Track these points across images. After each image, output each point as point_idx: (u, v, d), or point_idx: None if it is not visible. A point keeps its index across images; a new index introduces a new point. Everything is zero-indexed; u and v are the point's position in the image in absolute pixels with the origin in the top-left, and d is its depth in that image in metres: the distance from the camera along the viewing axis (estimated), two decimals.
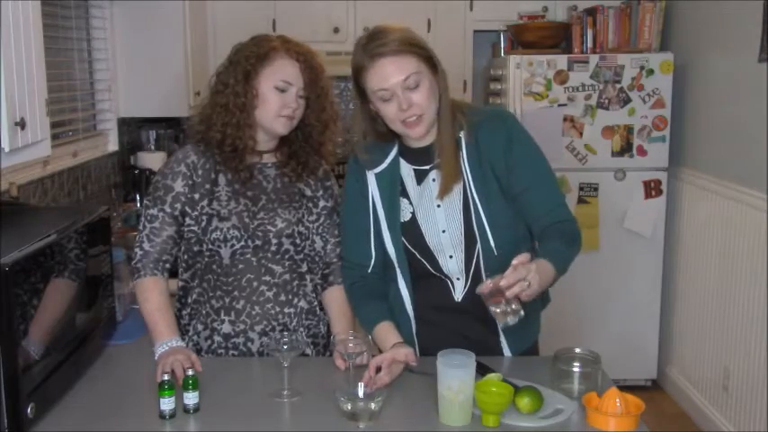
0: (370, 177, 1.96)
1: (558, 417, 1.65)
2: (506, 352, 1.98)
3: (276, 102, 1.94)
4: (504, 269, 1.73)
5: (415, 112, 1.82)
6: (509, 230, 1.91)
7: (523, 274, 1.63)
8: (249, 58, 1.94)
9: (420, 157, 1.94)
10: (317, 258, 2.08)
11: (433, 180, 1.93)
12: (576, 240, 1.88)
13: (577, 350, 1.79)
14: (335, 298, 2.09)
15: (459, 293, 1.95)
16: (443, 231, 1.92)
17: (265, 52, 1.94)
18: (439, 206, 1.92)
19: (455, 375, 1.61)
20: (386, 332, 1.91)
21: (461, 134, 1.89)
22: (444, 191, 1.89)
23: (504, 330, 1.94)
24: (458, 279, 1.95)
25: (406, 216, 1.94)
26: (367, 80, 1.83)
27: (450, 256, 1.93)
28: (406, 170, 1.96)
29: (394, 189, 1.94)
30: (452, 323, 1.94)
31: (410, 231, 1.94)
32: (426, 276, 1.96)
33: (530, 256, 1.69)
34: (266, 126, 1.97)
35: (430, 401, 1.70)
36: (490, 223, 1.88)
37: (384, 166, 1.95)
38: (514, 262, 1.66)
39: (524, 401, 1.65)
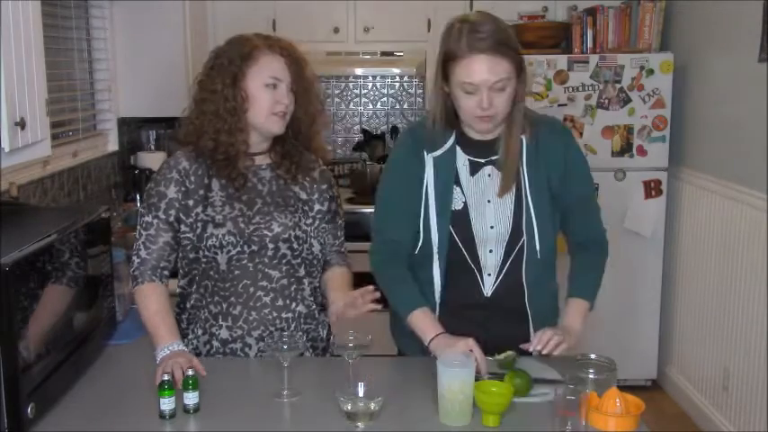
0: (429, 159, 1.95)
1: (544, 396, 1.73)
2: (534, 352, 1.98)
3: (267, 100, 1.92)
4: (541, 270, 1.94)
5: (491, 114, 1.84)
6: (551, 233, 1.96)
7: (558, 339, 1.81)
8: (234, 61, 1.91)
9: (478, 149, 1.95)
10: (314, 262, 2.06)
11: (489, 175, 1.94)
12: (605, 256, 2.05)
13: (592, 356, 1.80)
14: (333, 273, 2.08)
15: (488, 288, 1.97)
16: (492, 227, 1.94)
17: (248, 52, 1.92)
18: (489, 201, 1.94)
19: (455, 375, 1.62)
20: (424, 319, 1.90)
21: (524, 136, 1.92)
22: (505, 189, 1.92)
23: (536, 329, 1.95)
24: (489, 275, 1.97)
25: (458, 205, 1.95)
26: (456, 69, 1.82)
27: (491, 251, 1.95)
28: (462, 160, 1.96)
29: (449, 176, 1.94)
30: (478, 318, 1.96)
31: (459, 221, 1.94)
32: (460, 267, 1.96)
33: (551, 334, 1.82)
34: (259, 126, 1.95)
35: (430, 401, 1.70)
36: (539, 225, 1.92)
37: (442, 151, 1.94)
38: (544, 350, 1.81)
39: (515, 382, 1.71)
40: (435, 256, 1.96)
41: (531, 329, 1.98)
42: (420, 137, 1.97)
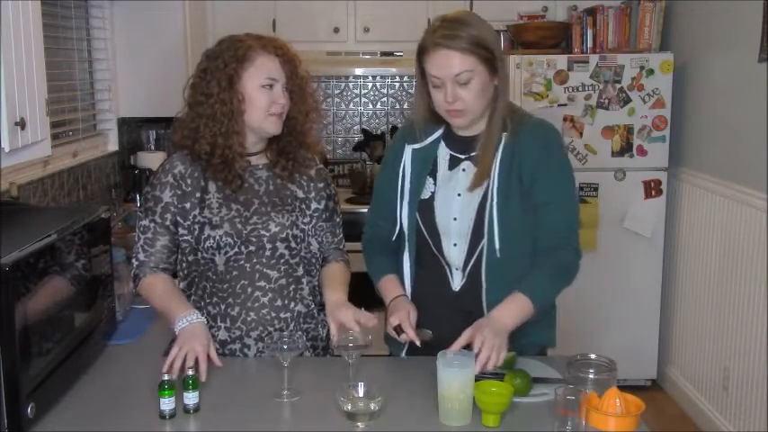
0: (407, 150, 2.02)
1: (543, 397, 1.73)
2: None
3: (264, 100, 1.92)
4: (505, 271, 1.88)
5: (457, 107, 1.87)
6: (518, 235, 1.93)
7: (486, 350, 1.73)
8: (229, 63, 1.90)
9: (461, 145, 1.98)
10: (313, 261, 2.07)
11: (463, 170, 1.97)
12: (567, 272, 1.94)
13: (592, 356, 1.80)
14: (330, 268, 2.10)
15: (457, 284, 1.99)
16: (455, 219, 1.95)
17: (243, 53, 1.91)
18: (459, 195, 1.95)
19: (455, 375, 1.62)
20: (390, 284, 2.02)
21: (504, 135, 1.93)
22: (475, 185, 1.93)
23: None
24: (456, 269, 1.98)
25: (426, 194, 1.99)
26: (426, 62, 1.88)
27: (455, 245, 1.96)
28: (443, 153, 2.00)
29: (425, 167, 2.00)
30: (441, 315, 1.96)
31: (425, 209, 1.99)
32: (429, 260, 2.00)
33: (469, 332, 1.77)
34: (257, 128, 1.95)
35: (430, 401, 1.70)
36: (500, 224, 1.91)
37: (424, 143, 2.00)
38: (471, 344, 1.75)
39: (515, 382, 1.72)
40: (406, 245, 2.02)
41: None
42: (408, 130, 2.05)
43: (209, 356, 1.83)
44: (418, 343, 1.87)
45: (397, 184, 2.02)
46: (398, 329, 1.88)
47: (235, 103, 1.90)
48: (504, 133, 1.92)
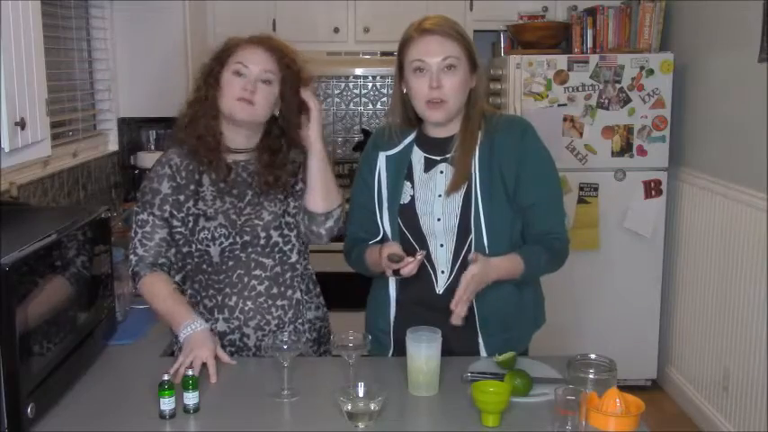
0: (381, 158, 2.02)
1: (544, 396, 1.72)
2: (483, 353, 1.99)
3: (234, 86, 1.93)
4: None
5: (439, 96, 1.88)
6: (504, 232, 1.94)
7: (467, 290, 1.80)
8: (215, 58, 1.98)
9: (434, 147, 1.99)
10: (305, 248, 2.09)
11: (441, 173, 1.97)
12: (559, 255, 1.97)
13: (592, 356, 1.80)
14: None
15: (441, 286, 1.98)
16: (438, 220, 1.95)
17: (228, 48, 1.98)
18: (440, 196, 1.95)
19: (421, 349, 1.73)
20: (373, 249, 1.97)
21: (479, 134, 1.94)
22: (453, 188, 1.93)
23: (483, 333, 1.97)
24: (442, 272, 1.98)
25: (405, 199, 1.99)
26: (409, 51, 1.91)
27: (442, 245, 1.96)
28: (417, 156, 2.00)
29: (400, 172, 2.00)
30: (431, 318, 1.93)
31: (406, 214, 1.98)
32: None
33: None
34: (226, 112, 1.95)
35: (430, 401, 1.70)
36: (487, 222, 1.91)
37: (397, 149, 2.01)
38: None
39: (515, 382, 1.72)
40: None
41: (479, 334, 1.96)
42: (379, 137, 2.05)
43: (217, 357, 1.86)
44: (418, 260, 1.87)
45: (374, 193, 2.02)
46: (396, 272, 1.89)
47: (211, 91, 1.95)
48: (479, 132, 1.94)
